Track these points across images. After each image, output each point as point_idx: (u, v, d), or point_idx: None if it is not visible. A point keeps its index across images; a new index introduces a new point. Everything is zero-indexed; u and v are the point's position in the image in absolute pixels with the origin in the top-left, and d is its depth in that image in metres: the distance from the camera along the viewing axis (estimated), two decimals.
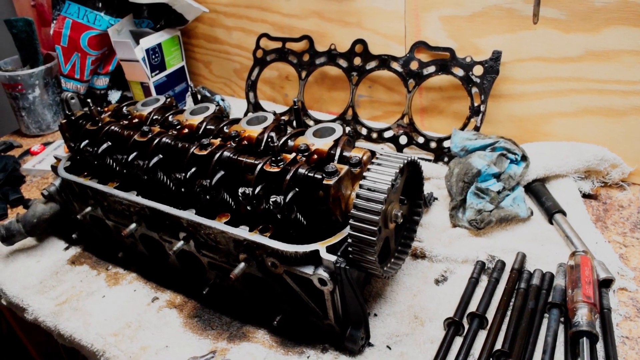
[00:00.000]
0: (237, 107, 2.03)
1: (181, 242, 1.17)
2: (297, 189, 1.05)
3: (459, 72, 1.51)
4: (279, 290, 1.09)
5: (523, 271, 1.18)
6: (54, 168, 1.48)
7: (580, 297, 1.02)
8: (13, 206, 1.72)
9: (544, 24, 1.35)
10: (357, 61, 1.69)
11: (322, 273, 0.97)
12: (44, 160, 1.96)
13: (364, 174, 0.98)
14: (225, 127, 1.30)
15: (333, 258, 0.96)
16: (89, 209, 1.36)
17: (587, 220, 1.32)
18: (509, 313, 1.09)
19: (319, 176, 1.03)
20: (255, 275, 1.10)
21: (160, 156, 1.26)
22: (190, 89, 1.47)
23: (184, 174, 1.17)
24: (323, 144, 1.15)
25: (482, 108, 1.49)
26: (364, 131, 1.69)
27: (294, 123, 1.33)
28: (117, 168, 1.36)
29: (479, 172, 1.37)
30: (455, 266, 1.24)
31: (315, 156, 1.13)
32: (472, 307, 1.11)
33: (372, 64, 1.66)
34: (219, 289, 1.21)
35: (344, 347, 1.06)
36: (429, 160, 1.58)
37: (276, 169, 1.05)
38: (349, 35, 1.69)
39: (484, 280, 1.19)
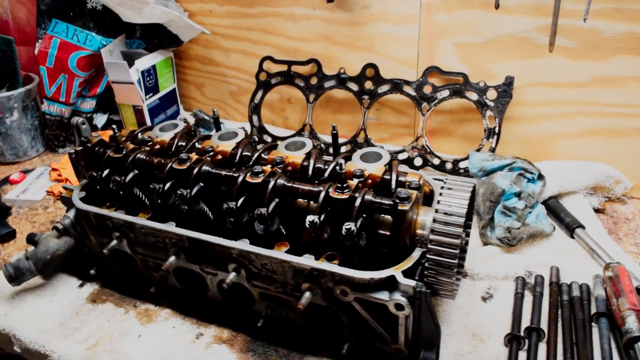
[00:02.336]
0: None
1: (233, 274, 1.14)
2: (364, 216, 1.06)
3: (473, 96, 1.60)
4: (344, 317, 1.09)
5: (561, 284, 1.26)
6: (66, 199, 1.39)
7: (627, 305, 1.11)
8: (3, 241, 1.58)
9: (555, 52, 1.48)
10: (369, 85, 1.74)
11: (400, 298, 0.99)
12: (28, 190, 1.82)
13: (438, 198, 1.02)
14: (263, 153, 1.29)
15: (412, 283, 0.98)
16: (114, 242, 1.28)
17: (604, 233, 1.43)
18: (559, 324, 1.15)
19: (390, 202, 1.05)
20: (316, 304, 1.09)
21: (202, 184, 1.22)
22: (213, 113, 1.44)
23: (234, 203, 1.14)
24: (375, 169, 1.17)
25: (497, 130, 1.58)
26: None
27: (331, 149, 1.34)
28: (144, 197, 1.30)
29: (503, 192, 1.45)
30: (497, 283, 1.30)
31: (370, 181, 1.15)
32: (524, 321, 1.17)
33: (384, 88, 1.72)
34: (270, 320, 1.18)
35: None
36: None
37: (344, 196, 1.06)
38: (359, 59, 1.74)
39: (527, 295, 1.25)
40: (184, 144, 1.39)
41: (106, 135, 1.96)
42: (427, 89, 1.66)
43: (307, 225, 1.05)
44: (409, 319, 1.02)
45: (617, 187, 1.55)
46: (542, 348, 1.10)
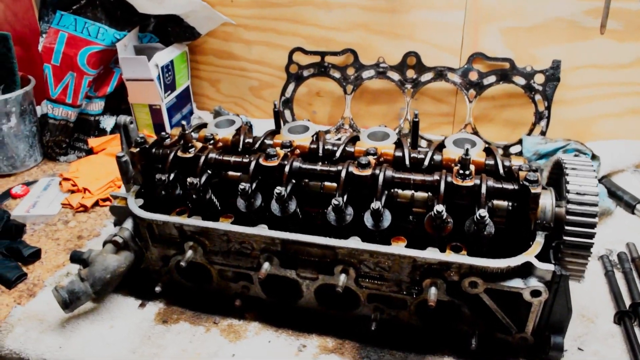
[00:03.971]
0: (260, 127, 1.89)
1: (343, 276, 1.06)
2: (491, 203, 1.03)
3: (520, 80, 1.61)
4: (467, 311, 1.05)
5: None
6: (119, 209, 1.24)
7: None
8: (27, 263, 1.39)
9: (601, 34, 1.52)
10: (411, 73, 1.71)
11: (538, 284, 0.97)
12: (38, 204, 1.62)
13: (567, 179, 1.00)
14: (347, 147, 1.22)
15: (551, 267, 0.96)
16: (189, 253, 1.16)
17: None
18: None
19: (514, 187, 1.02)
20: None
21: (294, 181, 1.13)
22: (274, 106, 1.35)
23: (341, 200, 1.06)
24: (475, 154, 1.14)
25: (546, 114, 1.60)
26: (423, 143, 1.71)
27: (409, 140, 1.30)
28: (215, 200, 1.19)
29: None
30: None
31: (473, 167, 1.12)
32: (624, 297, 1.19)
33: (427, 76, 1.69)
34: (379, 323, 1.11)
35: (542, 357, 1.05)
36: None
37: (469, 183, 1.02)
38: (398, 48, 1.70)
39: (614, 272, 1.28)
40: (250, 140, 1.28)
41: (106, 140, 1.80)
42: (472, 76, 1.66)
43: (433, 215, 1.00)
44: (541, 305, 1.00)
45: None
46: None
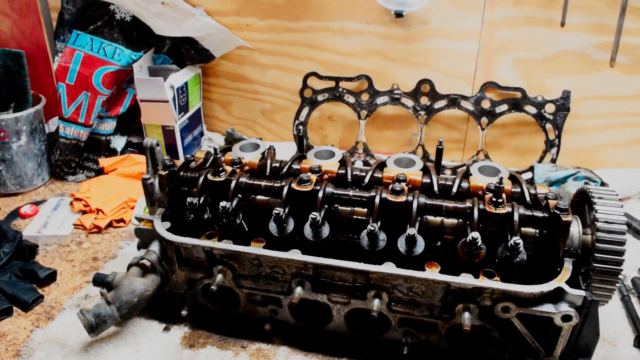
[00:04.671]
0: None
1: (377, 301, 1.09)
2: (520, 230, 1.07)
3: (531, 109, 1.69)
4: (497, 335, 1.08)
5: None
6: (144, 231, 1.25)
7: None
8: (43, 285, 1.38)
9: (610, 67, 1.60)
10: (424, 100, 1.76)
11: (569, 309, 1.01)
12: (49, 224, 1.62)
13: (596, 207, 1.05)
14: (375, 172, 1.26)
15: (582, 293, 1.00)
16: (219, 277, 1.17)
17: None
18: None
19: (545, 214, 1.07)
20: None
21: (326, 207, 1.16)
22: (298, 130, 1.39)
23: (376, 226, 1.10)
24: (507, 183, 1.19)
25: (557, 142, 1.67)
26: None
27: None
28: (242, 223, 1.21)
29: None
30: None
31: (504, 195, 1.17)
32: None
33: (440, 103, 1.75)
34: (409, 347, 1.14)
35: None
36: None
37: (502, 210, 1.06)
38: (412, 75, 1.76)
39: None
40: (277, 165, 1.31)
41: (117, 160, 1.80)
42: (485, 104, 1.72)
43: (468, 241, 1.04)
44: (570, 330, 1.04)
45: None
46: None
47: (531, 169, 1.71)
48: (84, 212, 1.66)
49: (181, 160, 1.83)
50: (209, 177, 1.22)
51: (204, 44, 1.82)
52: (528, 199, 1.16)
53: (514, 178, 1.22)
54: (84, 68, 1.67)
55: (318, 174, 1.25)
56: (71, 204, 1.70)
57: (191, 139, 1.92)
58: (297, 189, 1.16)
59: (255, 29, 1.85)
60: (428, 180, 1.22)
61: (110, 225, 1.62)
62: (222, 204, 1.15)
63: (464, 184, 1.21)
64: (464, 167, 1.26)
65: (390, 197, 1.11)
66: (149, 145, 1.30)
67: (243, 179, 1.22)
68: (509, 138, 1.80)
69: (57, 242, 1.56)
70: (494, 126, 1.79)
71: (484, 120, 1.73)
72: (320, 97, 1.84)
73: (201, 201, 1.20)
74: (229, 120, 2.06)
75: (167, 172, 1.24)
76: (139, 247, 1.31)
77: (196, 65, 1.90)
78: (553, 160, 1.69)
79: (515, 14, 1.62)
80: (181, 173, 1.27)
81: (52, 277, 1.41)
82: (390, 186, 1.13)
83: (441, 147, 1.33)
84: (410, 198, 1.11)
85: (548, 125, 1.68)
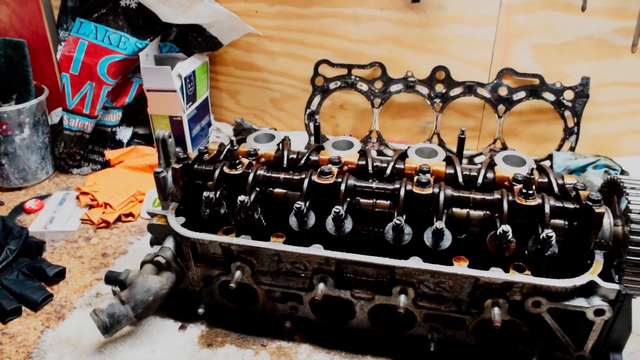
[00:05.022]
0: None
1: (403, 297, 1.06)
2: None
3: (550, 97, 1.65)
4: (526, 330, 1.06)
5: None
6: (158, 227, 1.22)
7: None
8: (51, 283, 1.35)
9: (630, 53, 1.57)
10: (440, 88, 1.73)
11: (602, 303, 0.98)
12: (55, 219, 1.58)
13: (629, 198, 1.02)
14: (397, 164, 1.22)
15: (616, 286, 0.98)
16: (238, 274, 1.14)
17: None
18: None
19: (576, 206, 1.04)
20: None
21: (348, 200, 1.13)
22: (315, 120, 1.35)
23: (402, 219, 1.06)
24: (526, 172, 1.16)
25: (575, 130, 1.64)
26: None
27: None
28: (261, 218, 1.18)
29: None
30: None
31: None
32: None
33: (456, 91, 1.71)
34: (435, 343, 1.11)
35: None
36: None
37: (532, 202, 1.03)
38: (427, 62, 1.72)
39: None
40: (294, 156, 1.28)
41: (123, 152, 1.75)
42: (502, 91, 1.68)
43: (498, 234, 1.01)
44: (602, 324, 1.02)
45: None
46: None
47: (549, 157, 1.67)
48: (91, 207, 1.62)
49: (192, 152, 1.80)
50: (225, 170, 1.18)
51: (211, 32, 1.77)
52: (556, 189, 1.13)
53: (540, 168, 1.19)
54: (89, 57, 1.62)
55: (338, 166, 1.21)
56: (77, 198, 1.66)
57: (199, 129, 1.88)
58: (319, 181, 1.12)
59: (264, 15, 1.80)
60: (452, 171, 1.18)
61: (119, 219, 1.59)
62: (240, 198, 1.12)
63: (489, 175, 1.17)
64: (487, 158, 1.22)
65: (416, 190, 1.08)
66: (161, 137, 1.25)
67: (261, 172, 1.18)
68: (526, 126, 1.77)
69: (64, 238, 1.52)
70: (511, 114, 1.75)
71: (501, 107, 1.69)
72: (332, 85, 1.79)
73: (217, 195, 1.17)
74: (238, 110, 2.02)
75: (181, 165, 1.20)
76: (152, 243, 1.27)
77: (203, 54, 1.85)
78: (572, 149, 1.66)
79: None
80: (195, 166, 1.23)
81: (61, 274, 1.37)
82: (416, 178, 1.09)
83: (463, 136, 1.30)
84: (436, 190, 1.08)
85: (567, 113, 1.65)
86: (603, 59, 1.62)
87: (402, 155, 1.25)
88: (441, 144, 1.74)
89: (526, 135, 1.78)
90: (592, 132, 1.72)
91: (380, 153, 1.76)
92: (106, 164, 1.79)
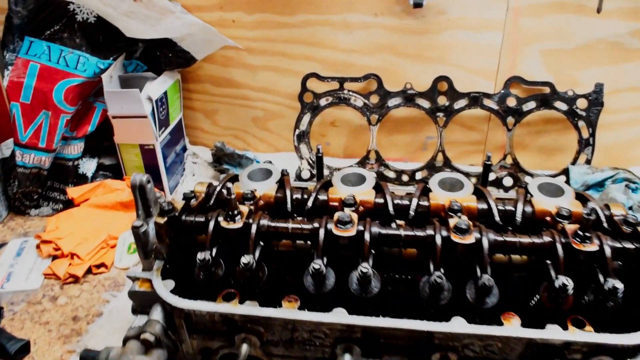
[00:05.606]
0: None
1: None
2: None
3: (562, 106, 1.53)
4: None
5: None
6: (141, 294, 1.02)
7: None
8: None
9: None
10: (442, 100, 1.58)
11: None
12: (13, 275, 1.35)
13: None
14: (421, 200, 1.06)
15: None
16: (245, 348, 0.95)
17: None
18: None
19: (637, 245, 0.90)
20: None
21: (373, 252, 0.96)
22: (317, 151, 1.18)
23: (442, 275, 0.91)
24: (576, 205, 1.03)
25: (591, 141, 1.53)
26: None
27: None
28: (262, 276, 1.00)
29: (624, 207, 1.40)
30: None
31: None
32: None
33: (460, 103, 1.57)
34: None
35: None
36: None
37: (591, 247, 0.89)
38: (427, 72, 1.57)
39: None
40: (299, 196, 1.10)
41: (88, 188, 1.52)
42: (510, 102, 1.55)
43: (557, 287, 0.86)
44: None
45: None
46: None
47: (564, 171, 1.56)
48: (55, 257, 1.39)
49: (173, 197, 1.59)
50: (222, 223, 0.98)
51: (183, 46, 1.56)
52: (605, 224, 0.99)
53: (581, 197, 1.06)
54: (42, 83, 1.38)
55: (353, 207, 1.04)
56: (38, 247, 1.42)
57: (174, 156, 1.67)
58: (338, 233, 0.95)
59: (242, 25, 1.60)
60: (484, 206, 1.03)
61: (89, 271, 1.37)
62: (244, 260, 0.93)
63: (528, 209, 1.03)
64: (521, 189, 1.08)
65: (455, 238, 0.92)
66: (138, 183, 1.05)
67: (264, 222, 0.99)
68: (534, 137, 1.64)
69: (25, 299, 1.30)
70: (519, 125, 1.62)
71: (510, 120, 1.56)
72: (323, 102, 1.61)
73: (214, 254, 0.98)
74: (215, 131, 1.81)
75: (166, 219, 1.00)
76: (134, 311, 1.07)
77: (174, 71, 1.63)
78: (588, 161, 1.54)
79: None
80: (184, 217, 1.03)
81: (24, 349, 1.14)
82: (454, 223, 0.93)
83: (489, 162, 1.15)
84: (477, 235, 0.92)
85: (581, 123, 1.53)
86: (617, 63, 1.50)
87: (425, 190, 1.09)
88: (447, 162, 1.59)
89: (534, 147, 1.66)
90: (604, 140, 1.61)
91: (380, 175, 1.60)
92: (69, 203, 1.55)
